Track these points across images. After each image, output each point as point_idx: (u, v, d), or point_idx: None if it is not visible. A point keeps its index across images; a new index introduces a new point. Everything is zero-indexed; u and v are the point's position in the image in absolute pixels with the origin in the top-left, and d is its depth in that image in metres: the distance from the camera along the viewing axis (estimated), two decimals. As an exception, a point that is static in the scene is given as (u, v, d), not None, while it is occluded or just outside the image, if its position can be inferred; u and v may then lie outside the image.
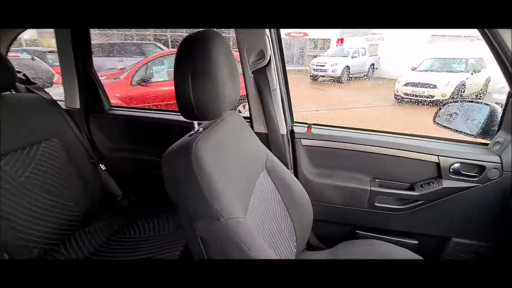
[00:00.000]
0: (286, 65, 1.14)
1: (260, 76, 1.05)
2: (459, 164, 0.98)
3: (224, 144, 0.70)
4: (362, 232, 1.14)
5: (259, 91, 1.06)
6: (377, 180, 1.10)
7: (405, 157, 1.03)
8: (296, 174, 1.13)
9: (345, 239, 1.02)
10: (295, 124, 1.18)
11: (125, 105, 3.77)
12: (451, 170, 0.99)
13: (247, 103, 1.15)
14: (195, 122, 0.69)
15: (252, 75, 1.06)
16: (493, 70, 5.90)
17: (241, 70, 1.06)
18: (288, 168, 1.08)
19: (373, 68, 8.79)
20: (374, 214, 1.09)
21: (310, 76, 8.43)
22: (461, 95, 5.66)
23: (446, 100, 5.57)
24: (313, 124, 1.15)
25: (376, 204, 1.08)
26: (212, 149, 0.63)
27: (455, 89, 5.67)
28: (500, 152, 0.96)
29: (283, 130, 1.09)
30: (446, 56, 6.53)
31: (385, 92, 7.09)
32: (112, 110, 1.42)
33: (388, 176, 1.08)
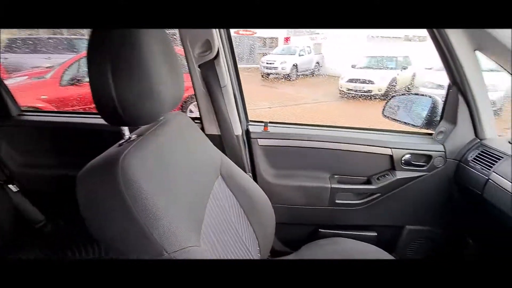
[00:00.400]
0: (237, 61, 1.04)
1: (208, 70, 0.93)
2: (410, 155, 1.01)
3: (166, 153, 0.57)
4: (324, 231, 1.11)
5: (208, 88, 0.94)
6: (336, 176, 1.08)
7: (361, 152, 1.03)
8: (254, 177, 1.04)
9: (308, 239, 0.98)
10: (250, 123, 1.10)
11: (55, 109, 3.24)
12: (403, 161, 1.02)
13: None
14: (125, 129, 0.54)
15: (199, 70, 0.94)
16: (417, 67, 6.78)
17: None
18: (245, 172, 0.99)
19: (319, 65, 9.28)
20: (335, 211, 1.07)
21: (261, 74, 8.52)
22: (393, 89, 6.33)
23: (382, 94, 6.19)
24: (269, 122, 1.08)
25: (336, 201, 1.05)
26: (148, 161, 0.49)
27: (389, 84, 6.32)
28: (443, 141, 1.01)
29: (237, 130, 0.99)
30: (380, 55, 7.23)
31: (330, 88, 7.54)
32: (23, 116, 1.14)
33: (346, 171, 1.07)
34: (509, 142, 0.90)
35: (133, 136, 0.54)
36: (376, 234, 1.10)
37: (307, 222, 1.11)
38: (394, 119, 1.18)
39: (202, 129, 1.00)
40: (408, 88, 6.84)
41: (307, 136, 1.03)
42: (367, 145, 1.03)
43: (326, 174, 1.07)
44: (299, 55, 8.56)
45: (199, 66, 0.93)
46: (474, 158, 0.94)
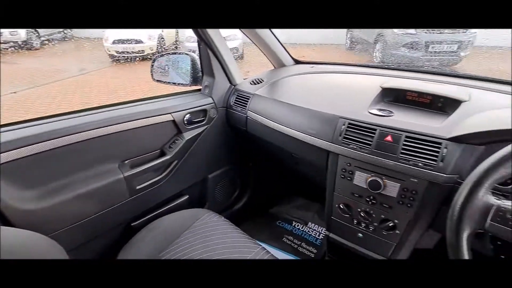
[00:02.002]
0: None
1: None
2: (189, 114, 1.05)
3: None
4: (137, 222, 0.99)
5: None
6: (126, 162, 0.94)
7: (144, 125, 0.93)
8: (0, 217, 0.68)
9: (121, 241, 0.85)
10: None
11: None
12: (186, 122, 1.04)
13: None
14: None
15: None
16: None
17: None
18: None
19: (68, 26, 7.37)
20: (140, 197, 0.97)
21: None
22: (162, 46, 6.40)
23: (155, 52, 6.10)
24: None
25: (137, 187, 0.95)
26: None
27: (158, 41, 6.27)
28: (211, 94, 1.13)
29: None
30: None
31: (96, 53, 6.41)
32: None
33: (136, 152, 0.96)
34: (250, 83, 1.16)
35: None
36: (188, 196, 1.15)
37: (112, 226, 0.94)
38: (165, 82, 1.16)
39: None
40: (176, 43, 7.18)
41: (70, 129, 0.77)
42: (149, 117, 0.94)
43: (113, 164, 0.90)
44: (31, 13, 6.27)
45: None
46: (234, 102, 1.13)
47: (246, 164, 1.38)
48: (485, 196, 0.44)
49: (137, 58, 6.05)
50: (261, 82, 1.15)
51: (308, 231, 1.40)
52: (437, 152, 0.63)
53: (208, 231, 0.83)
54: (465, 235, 0.45)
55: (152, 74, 1.16)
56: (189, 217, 0.89)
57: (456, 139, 0.62)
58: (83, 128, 0.80)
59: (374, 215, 0.77)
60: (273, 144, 1.03)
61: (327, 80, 1.07)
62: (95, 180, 0.84)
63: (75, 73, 5.33)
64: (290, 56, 1.34)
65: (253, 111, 1.05)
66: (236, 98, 1.13)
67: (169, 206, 1.08)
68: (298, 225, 1.43)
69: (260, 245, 0.82)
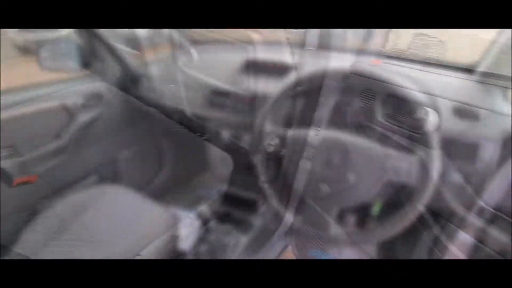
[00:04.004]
0: None
1: None
2: (81, 98, 1.08)
3: None
4: (41, 205, 1.03)
5: None
6: (16, 149, 0.95)
7: (31, 112, 0.95)
8: None
9: (27, 224, 0.89)
10: None
11: None
12: (78, 106, 1.08)
13: None
14: None
15: None
16: None
17: None
18: None
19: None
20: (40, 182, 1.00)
21: None
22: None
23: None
24: None
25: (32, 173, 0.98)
26: None
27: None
28: (103, 76, 1.17)
29: None
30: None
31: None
32: None
33: (25, 139, 0.97)
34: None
35: None
36: (96, 177, 1.20)
37: (17, 209, 0.96)
38: (55, 69, 1.15)
39: None
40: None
41: None
42: (35, 104, 0.96)
43: None
44: None
45: None
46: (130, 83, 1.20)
47: (160, 140, 1.46)
48: None
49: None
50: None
51: (226, 193, 1.57)
52: None
53: (111, 205, 0.90)
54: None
55: (40, 63, 1.14)
56: (94, 195, 0.96)
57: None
58: None
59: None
60: (169, 118, 1.14)
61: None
62: None
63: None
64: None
65: (146, 90, 1.13)
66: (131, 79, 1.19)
67: (76, 188, 1.13)
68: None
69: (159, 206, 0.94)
